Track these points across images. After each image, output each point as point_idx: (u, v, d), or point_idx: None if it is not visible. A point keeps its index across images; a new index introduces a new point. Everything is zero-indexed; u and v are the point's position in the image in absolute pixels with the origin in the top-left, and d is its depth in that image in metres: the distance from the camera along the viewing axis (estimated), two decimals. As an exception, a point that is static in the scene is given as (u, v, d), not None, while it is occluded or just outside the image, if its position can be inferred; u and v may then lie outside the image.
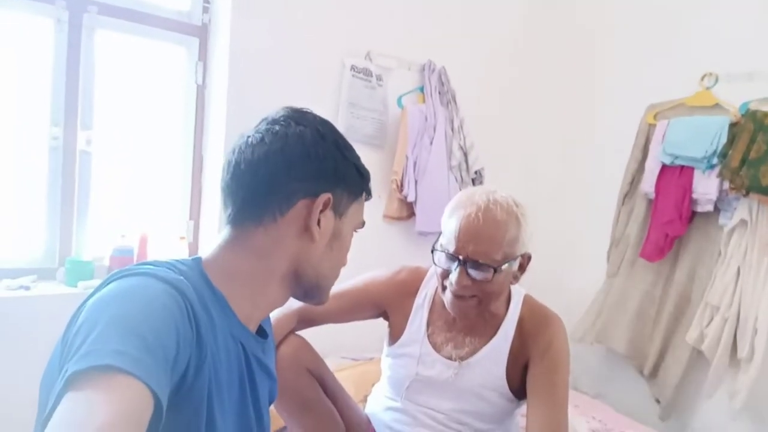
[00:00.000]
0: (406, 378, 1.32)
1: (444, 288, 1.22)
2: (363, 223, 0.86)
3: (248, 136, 0.77)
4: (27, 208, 1.90)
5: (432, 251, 1.22)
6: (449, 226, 1.18)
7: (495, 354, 1.27)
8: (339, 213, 0.80)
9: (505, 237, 1.14)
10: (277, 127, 0.76)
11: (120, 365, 0.53)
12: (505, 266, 1.15)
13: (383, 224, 2.43)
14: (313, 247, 0.78)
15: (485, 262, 1.13)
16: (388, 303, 1.37)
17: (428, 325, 1.32)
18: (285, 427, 1.47)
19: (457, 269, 1.15)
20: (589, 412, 2.04)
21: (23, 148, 1.88)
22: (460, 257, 1.15)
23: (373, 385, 1.66)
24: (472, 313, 1.23)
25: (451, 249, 1.16)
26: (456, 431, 1.29)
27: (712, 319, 2.06)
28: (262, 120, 0.79)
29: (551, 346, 1.24)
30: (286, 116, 0.78)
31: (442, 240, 1.20)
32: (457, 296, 1.19)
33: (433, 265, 1.25)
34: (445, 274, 1.20)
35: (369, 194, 0.86)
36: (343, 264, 0.86)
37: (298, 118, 0.79)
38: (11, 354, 1.66)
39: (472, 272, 1.15)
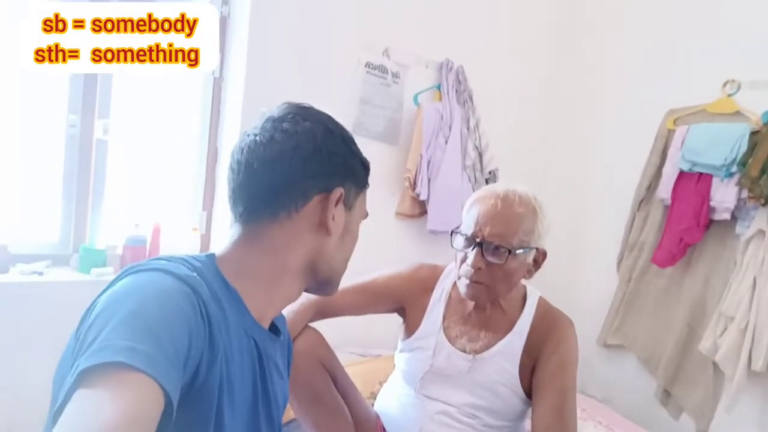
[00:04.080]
0: (420, 369, 1.34)
1: (460, 276, 1.27)
2: (367, 214, 0.88)
3: (255, 135, 0.77)
4: (43, 195, 1.92)
5: (451, 234, 1.28)
6: (470, 213, 1.25)
7: (509, 350, 1.30)
8: (348, 206, 0.81)
9: (521, 224, 1.21)
10: (285, 125, 0.76)
11: (132, 362, 0.53)
12: (519, 252, 1.21)
13: (395, 222, 2.43)
14: (327, 241, 0.79)
15: (501, 244, 1.19)
16: (406, 298, 1.41)
17: (444, 318, 1.36)
18: (294, 420, 1.48)
19: (474, 251, 1.21)
20: (596, 417, 2.03)
21: (41, 134, 1.89)
22: (477, 239, 1.21)
23: (380, 382, 1.66)
24: (484, 299, 1.28)
25: (470, 232, 1.23)
26: (467, 425, 1.30)
27: (725, 329, 2.03)
28: (267, 118, 0.79)
29: (560, 346, 1.28)
30: (292, 113, 0.78)
31: (462, 226, 1.26)
32: (472, 280, 1.23)
33: (451, 263, 1.31)
34: (463, 259, 1.25)
35: (368, 185, 0.87)
36: (351, 253, 0.87)
37: (304, 114, 0.79)
38: (23, 337, 1.67)
39: (487, 255, 1.20)
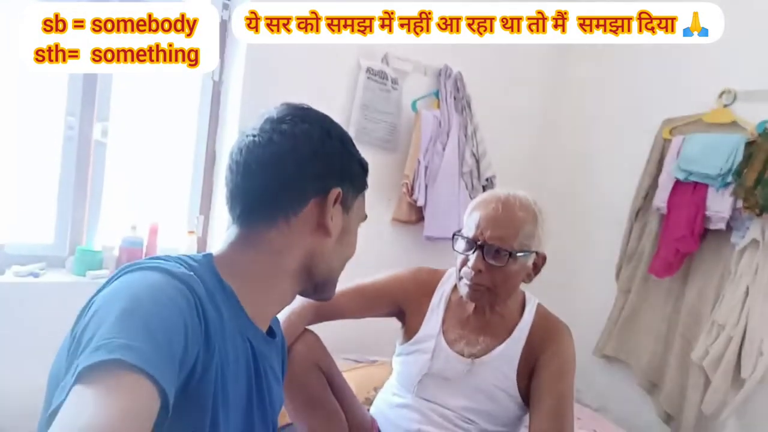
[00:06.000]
0: (418, 373, 1.35)
1: (461, 278, 1.29)
2: (365, 216, 0.87)
3: (254, 136, 0.76)
4: (40, 196, 1.91)
5: (453, 236, 1.30)
6: (472, 216, 1.27)
7: (507, 355, 1.31)
8: (346, 208, 0.81)
9: (522, 228, 1.23)
10: (284, 126, 0.76)
11: (129, 360, 0.53)
12: (520, 255, 1.23)
13: (391, 227, 2.43)
14: (326, 242, 0.79)
15: (501, 247, 1.21)
16: (406, 301, 1.42)
17: (443, 322, 1.37)
18: (290, 424, 1.47)
19: (475, 253, 1.24)
20: (590, 426, 2.03)
21: (39, 136, 1.89)
22: (478, 242, 1.23)
23: (375, 388, 1.66)
24: (484, 300, 1.29)
25: (471, 235, 1.25)
26: (464, 430, 1.31)
27: (717, 337, 2.04)
28: (265, 119, 0.78)
29: (559, 353, 1.29)
30: (291, 114, 0.78)
31: (464, 229, 1.28)
32: (473, 282, 1.25)
33: (451, 268, 1.33)
34: (464, 262, 1.27)
35: (367, 186, 0.86)
36: (351, 256, 0.87)
37: (302, 115, 0.78)
38: (17, 339, 1.67)
39: (488, 258, 1.22)
